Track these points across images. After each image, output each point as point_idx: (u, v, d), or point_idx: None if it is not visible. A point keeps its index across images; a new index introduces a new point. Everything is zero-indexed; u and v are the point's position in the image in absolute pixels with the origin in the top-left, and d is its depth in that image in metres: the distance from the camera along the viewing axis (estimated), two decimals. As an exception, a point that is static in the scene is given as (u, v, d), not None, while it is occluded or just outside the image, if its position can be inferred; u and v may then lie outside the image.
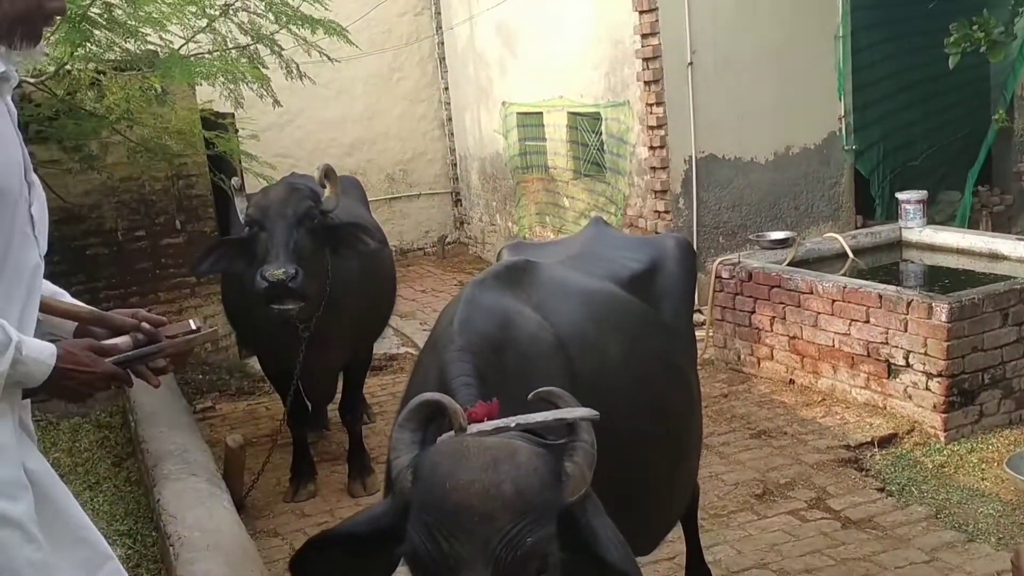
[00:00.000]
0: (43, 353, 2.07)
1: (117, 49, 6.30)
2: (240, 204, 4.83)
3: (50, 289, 2.34)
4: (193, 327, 2.34)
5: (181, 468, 4.22)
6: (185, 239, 7.72)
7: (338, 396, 5.67)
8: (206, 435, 6.09)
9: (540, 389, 2.07)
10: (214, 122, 7.50)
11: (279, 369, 5.20)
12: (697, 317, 7.97)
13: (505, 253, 3.40)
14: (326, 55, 7.07)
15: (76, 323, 2.33)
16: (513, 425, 1.99)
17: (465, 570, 1.76)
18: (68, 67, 6.17)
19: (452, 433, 1.98)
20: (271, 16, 6.64)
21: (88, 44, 5.90)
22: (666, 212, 8.26)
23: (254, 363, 6.64)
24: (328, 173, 4.86)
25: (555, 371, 2.50)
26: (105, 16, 5.80)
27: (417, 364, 2.72)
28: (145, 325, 2.28)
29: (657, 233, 8.17)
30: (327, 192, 4.80)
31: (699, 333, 7.56)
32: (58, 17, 2.18)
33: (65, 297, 2.38)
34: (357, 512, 2.07)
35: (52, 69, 6.03)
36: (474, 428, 1.99)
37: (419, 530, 1.82)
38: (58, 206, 7.20)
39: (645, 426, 2.81)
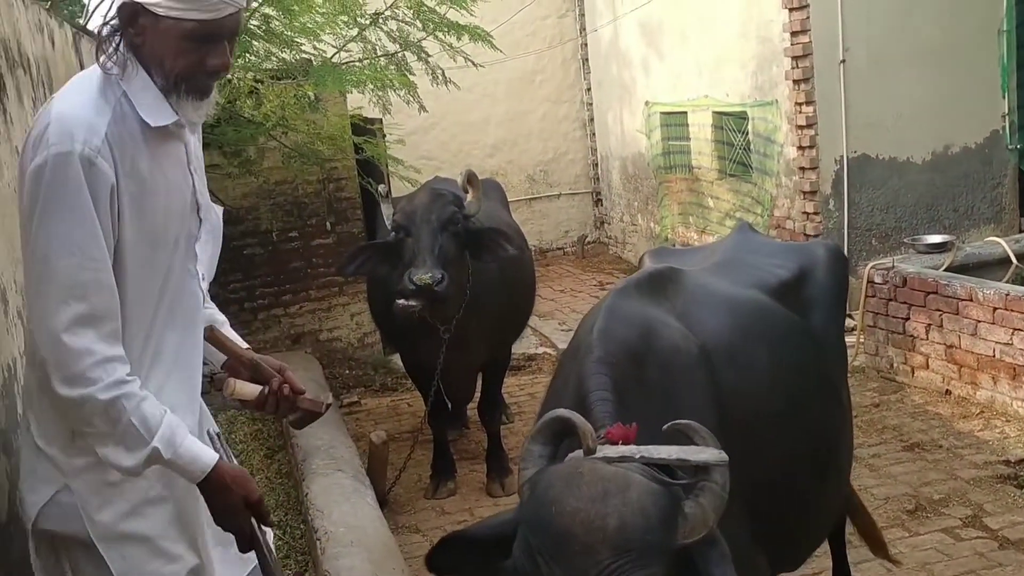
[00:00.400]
0: (195, 464, 2.07)
1: (274, 59, 6.57)
2: (386, 209, 4.97)
3: (210, 316, 2.40)
4: (323, 406, 2.37)
5: (328, 464, 4.37)
6: (335, 240, 7.99)
7: (477, 395, 5.75)
8: (351, 430, 6.29)
9: (678, 422, 2.02)
10: (363, 127, 7.73)
11: (420, 368, 5.32)
12: (848, 323, 7.73)
13: (647, 259, 3.37)
14: (471, 60, 7.18)
15: (227, 357, 2.38)
16: (637, 457, 1.95)
17: None
18: (228, 76, 6.48)
19: (581, 452, 1.96)
20: (418, 24, 6.79)
21: (247, 55, 6.17)
22: (815, 214, 8.01)
23: (398, 360, 6.81)
24: (470, 178, 4.94)
25: (698, 384, 2.46)
26: (263, 28, 6.06)
27: (557, 371, 2.72)
28: (285, 387, 2.30)
29: (806, 235, 7.95)
30: (469, 197, 4.89)
31: (849, 340, 7.34)
32: (224, 74, 2.16)
33: (225, 328, 2.44)
34: (491, 515, 2.10)
35: (214, 79, 6.33)
36: (602, 451, 1.96)
37: (523, 549, 1.83)
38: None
39: (793, 439, 2.74)
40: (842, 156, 7.88)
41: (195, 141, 2.27)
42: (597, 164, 12.41)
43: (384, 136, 8.16)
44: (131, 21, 2.03)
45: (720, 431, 2.37)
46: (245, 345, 2.44)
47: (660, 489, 1.87)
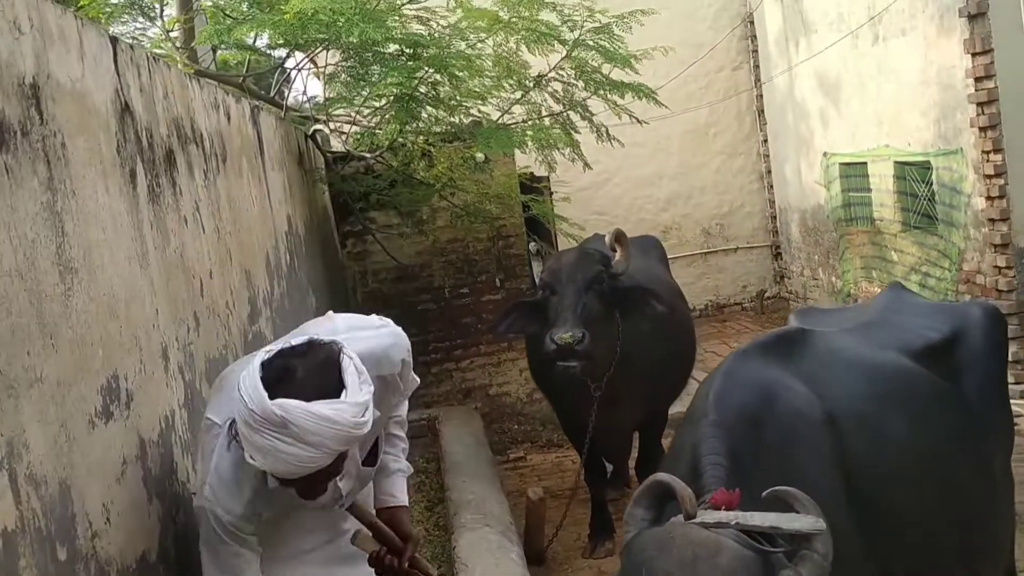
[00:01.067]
0: None
1: (443, 123, 6.87)
2: (537, 268, 5.08)
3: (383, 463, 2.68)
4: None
5: (477, 518, 4.45)
6: (504, 296, 8.15)
7: (636, 454, 5.71)
8: (514, 485, 6.37)
9: (776, 488, 1.99)
10: (530, 186, 7.92)
11: (573, 425, 5.34)
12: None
13: (792, 319, 3.28)
14: (636, 118, 7.23)
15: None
16: (732, 523, 1.94)
17: None
18: (402, 140, 6.82)
19: (680, 517, 1.95)
20: (582, 83, 6.92)
21: (416, 121, 6.48)
22: (1008, 268, 7.51)
23: (563, 416, 6.85)
24: (619, 237, 4.97)
25: (821, 449, 2.38)
26: (431, 94, 6.35)
27: (675, 437, 2.70)
28: (388, 557, 2.51)
29: (998, 290, 7.47)
30: (618, 256, 4.91)
31: (1039, 406, 6.80)
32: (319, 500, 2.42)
33: (392, 480, 2.70)
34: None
35: (386, 143, 6.68)
36: (700, 517, 1.95)
37: None
38: (394, 266, 7.94)
39: (933, 508, 2.59)
40: (1036, 206, 7.38)
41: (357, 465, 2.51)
42: (775, 217, 12.12)
43: (551, 194, 8.31)
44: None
45: (848, 499, 2.29)
46: (400, 502, 2.68)
47: (752, 556, 1.85)
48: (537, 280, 5.08)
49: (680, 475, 2.25)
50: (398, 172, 7.08)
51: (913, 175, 8.69)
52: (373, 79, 6.13)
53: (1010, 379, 7.22)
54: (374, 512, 2.61)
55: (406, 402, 2.79)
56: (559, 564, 5.33)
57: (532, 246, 5.36)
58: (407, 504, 2.70)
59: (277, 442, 1.97)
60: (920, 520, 2.54)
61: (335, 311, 2.76)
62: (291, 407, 1.96)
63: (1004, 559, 3.20)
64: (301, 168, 6.51)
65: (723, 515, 1.95)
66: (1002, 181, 7.41)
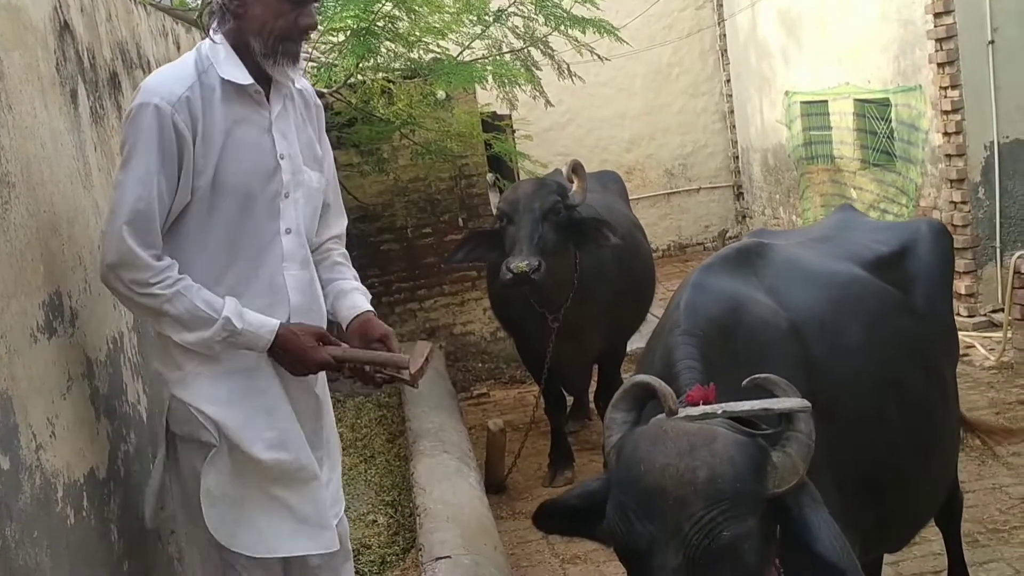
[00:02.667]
0: (262, 329, 2.37)
1: (402, 59, 6.79)
2: (494, 199, 5.07)
3: (338, 288, 2.68)
4: (426, 360, 2.48)
5: (435, 445, 4.51)
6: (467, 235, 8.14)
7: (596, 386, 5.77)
8: (476, 418, 6.43)
9: (755, 376, 2.02)
10: (493, 124, 7.86)
11: (532, 357, 5.39)
12: (995, 317, 7.31)
13: (747, 239, 3.32)
14: (597, 55, 7.20)
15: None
16: (720, 412, 1.97)
17: (657, 553, 1.77)
18: (361, 77, 6.74)
19: (663, 416, 1.98)
20: (542, 19, 6.86)
21: (374, 56, 6.40)
22: (963, 203, 7.61)
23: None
24: (576, 168, 4.98)
25: (788, 357, 2.42)
26: (389, 29, 6.27)
27: (644, 351, 2.73)
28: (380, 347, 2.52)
29: (953, 225, 7.58)
30: (574, 187, 4.92)
31: (996, 334, 6.96)
32: (312, 33, 2.52)
33: (348, 298, 2.67)
34: (580, 483, 2.14)
35: (344, 78, 6.60)
36: (682, 412, 1.98)
37: (615, 510, 1.86)
38: (355, 206, 7.89)
39: (888, 413, 2.67)
40: (992, 142, 7.45)
41: (294, 107, 2.54)
42: (738, 157, 12.16)
43: (514, 132, 8.27)
44: None
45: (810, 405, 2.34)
46: (366, 308, 2.66)
47: (746, 440, 1.89)
48: (494, 211, 5.07)
49: (656, 373, 2.29)
50: (357, 109, 7.00)
51: (873, 112, 8.74)
52: (329, 13, 6.04)
53: (963, 311, 7.40)
54: (353, 345, 2.57)
55: (343, 220, 2.82)
56: (519, 493, 5.40)
57: (490, 177, 5.34)
58: (373, 311, 2.69)
59: None
60: (877, 424, 2.60)
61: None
62: None
63: (953, 470, 3.30)
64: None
65: (708, 407, 1.98)
66: (959, 117, 7.47)
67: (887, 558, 3.77)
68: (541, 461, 5.73)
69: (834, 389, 2.49)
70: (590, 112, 11.51)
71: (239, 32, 2.38)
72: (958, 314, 7.21)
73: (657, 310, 6.59)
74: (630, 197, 6.92)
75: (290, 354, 2.39)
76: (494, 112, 8.13)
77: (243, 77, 2.39)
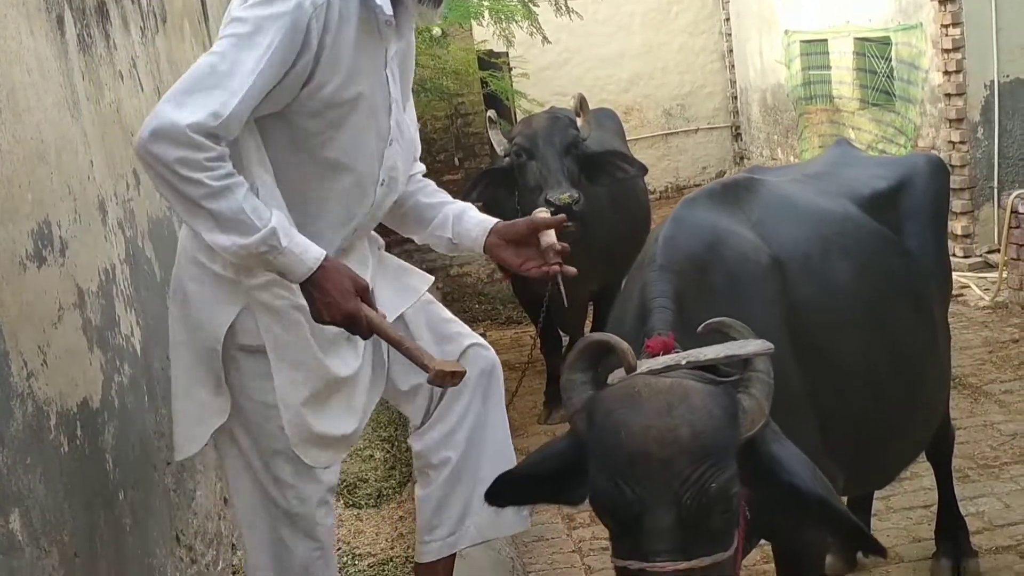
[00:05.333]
0: (307, 254, 2.10)
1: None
2: (494, 136, 5.02)
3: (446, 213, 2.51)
4: (456, 371, 2.21)
5: (431, 382, 4.51)
6: (463, 175, 8.08)
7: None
8: (472, 359, 6.44)
9: (711, 320, 2.01)
10: (489, 62, 7.77)
11: (530, 297, 5.38)
12: (991, 258, 7.32)
13: (737, 175, 3.29)
14: (593, -10, 7.10)
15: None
16: (684, 363, 1.94)
17: (648, 515, 1.77)
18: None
19: (622, 371, 1.95)
20: (539, -48, 6.76)
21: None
22: (962, 143, 7.58)
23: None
24: (581, 103, 4.95)
25: (766, 295, 2.41)
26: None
27: (625, 282, 2.72)
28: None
29: (952, 166, 7.53)
30: (580, 122, 4.89)
31: (991, 274, 6.97)
32: None
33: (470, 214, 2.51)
34: (542, 446, 2.11)
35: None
36: (644, 366, 1.94)
37: (600, 476, 1.84)
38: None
39: (874, 353, 2.66)
40: (992, 81, 7.40)
41: (406, 49, 2.36)
42: (736, 97, 12.06)
43: (511, 70, 8.18)
44: None
45: (792, 343, 2.34)
46: (490, 221, 2.50)
47: (718, 389, 1.88)
48: (498, 148, 5.02)
49: (629, 318, 2.28)
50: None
51: (873, 51, 8.66)
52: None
53: (959, 252, 7.40)
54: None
55: (419, 163, 2.60)
56: (515, 431, 5.33)
57: (491, 113, 5.26)
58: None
59: None
60: (864, 366, 2.59)
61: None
62: None
63: (942, 409, 3.31)
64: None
65: (671, 358, 1.96)
66: (959, 55, 7.40)
67: (878, 493, 3.82)
68: (537, 400, 5.78)
69: (819, 328, 2.48)
70: (588, 51, 11.38)
71: None
72: (954, 255, 7.22)
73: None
74: (627, 138, 6.86)
75: (325, 294, 2.11)
76: (491, 50, 8.04)
77: (387, 6, 2.16)
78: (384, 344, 2.43)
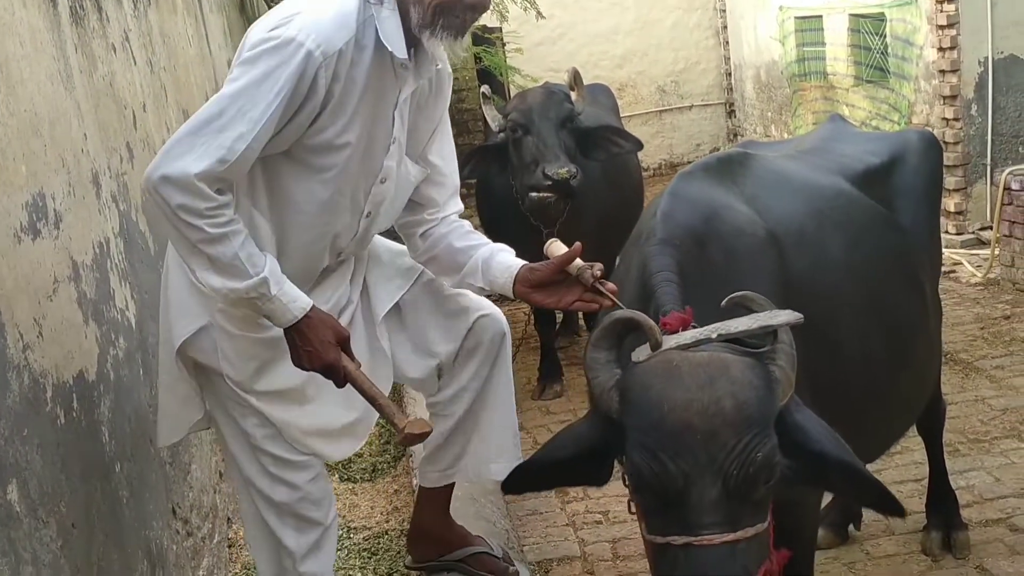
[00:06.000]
0: (294, 304, 2.17)
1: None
2: (488, 111, 5.00)
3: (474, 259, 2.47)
4: (424, 431, 2.19)
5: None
6: (457, 152, 8.05)
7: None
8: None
9: (735, 294, 2.00)
10: (482, 37, 7.73)
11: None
12: (983, 235, 7.33)
13: (731, 150, 3.29)
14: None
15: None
16: (715, 336, 1.93)
17: (694, 488, 1.76)
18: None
19: (646, 348, 1.93)
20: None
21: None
22: (956, 120, 7.57)
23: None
24: (576, 77, 4.93)
25: (763, 268, 2.41)
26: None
27: (620, 259, 2.72)
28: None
29: (945, 143, 7.54)
30: (575, 96, 4.88)
31: (983, 251, 6.99)
32: (481, 11, 2.25)
33: (501, 256, 2.46)
34: (557, 433, 2.09)
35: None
36: (671, 341, 1.93)
37: (641, 453, 1.81)
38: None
39: (867, 327, 2.67)
40: (987, 57, 7.39)
41: (429, 86, 2.39)
42: (731, 74, 12.01)
43: (504, 46, 8.14)
44: None
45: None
46: (518, 264, 2.44)
47: (754, 361, 1.88)
48: (492, 124, 5.00)
49: (630, 294, 2.26)
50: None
51: (867, 28, 8.63)
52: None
53: (952, 228, 7.41)
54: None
55: (457, 200, 2.61)
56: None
57: (485, 88, 5.24)
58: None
59: None
60: (857, 340, 2.61)
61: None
62: None
63: (933, 382, 3.34)
64: (243, 16, 6.31)
65: (698, 332, 1.95)
66: (954, 32, 7.38)
67: (868, 467, 3.85)
68: (531, 375, 5.79)
69: (813, 301, 2.48)
70: (582, 26, 11.33)
71: None
72: (946, 232, 7.24)
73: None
74: (621, 115, 6.84)
75: (307, 342, 2.18)
76: (484, 25, 7.99)
77: (400, 48, 2.18)
78: (386, 335, 2.54)
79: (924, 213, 3.10)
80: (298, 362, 2.21)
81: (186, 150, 2.04)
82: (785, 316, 1.96)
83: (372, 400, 2.22)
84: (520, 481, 2.13)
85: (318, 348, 2.17)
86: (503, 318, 2.66)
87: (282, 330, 2.21)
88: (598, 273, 2.29)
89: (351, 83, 2.16)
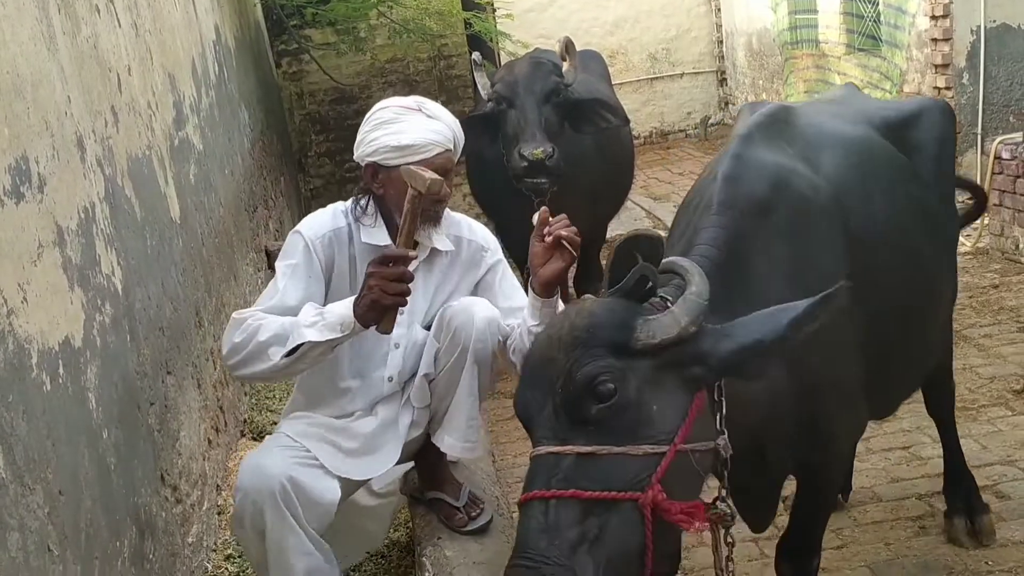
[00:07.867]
0: (345, 319, 2.46)
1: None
2: (480, 79, 4.93)
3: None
4: (435, 179, 2.49)
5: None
6: (447, 119, 8.00)
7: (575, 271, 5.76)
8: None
9: (666, 259, 2.08)
10: (473, 3, 7.65)
11: (516, 241, 5.34)
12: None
13: (746, 112, 3.20)
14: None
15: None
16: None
17: (534, 407, 1.96)
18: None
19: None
20: None
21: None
22: (947, 88, 7.54)
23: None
24: (568, 46, 4.84)
25: (831, 230, 2.42)
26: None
27: (676, 218, 2.63)
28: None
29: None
30: (566, 66, 4.79)
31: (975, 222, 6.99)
32: (446, 200, 2.70)
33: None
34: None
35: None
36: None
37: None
38: (331, 87, 7.72)
39: (905, 278, 2.68)
40: (979, 26, 7.34)
41: (436, 268, 2.80)
42: (722, 41, 11.94)
43: (495, 11, 8.06)
44: (373, 178, 2.68)
45: (850, 278, 2.32)
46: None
47: (616, 301, 2.00)
48: (482, 92, 4.92)
49: (678, 252, 2.25)
50: (334, -14, 6.81)
51: (860, -5, 8.59)
52: None
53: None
54: None
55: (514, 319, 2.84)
56: (499, 373, 5.45)
57: (476, 55, 5.15)
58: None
59: (415, 117, 2.64)
60: (897, 294, 2.61)
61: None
62: (421, 99, 2.76)
63: (948, 335, 3.37)
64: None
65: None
66: (947, 0, 7.33)
67: (882, 421, 3.81)
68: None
69: (868, 258, 2.49)
70: (573, -7, 11.23)
71: (382, 203, 2.69)
72: (936, 201, 7.22)
73: (636, 197, 6.55)
74: (612, 82, 6.78)
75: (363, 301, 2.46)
76: (474, -10, 7.92)
77: (382, 239, 2.67)
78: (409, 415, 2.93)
79: (943, 169, 3.08)
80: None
81: (238, 311, 2.65)
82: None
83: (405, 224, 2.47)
84: None
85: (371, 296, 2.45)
86: (484, 318, 2.80)
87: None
88: (556, 229, 2.54)
89: (343, 263, 2.68)
